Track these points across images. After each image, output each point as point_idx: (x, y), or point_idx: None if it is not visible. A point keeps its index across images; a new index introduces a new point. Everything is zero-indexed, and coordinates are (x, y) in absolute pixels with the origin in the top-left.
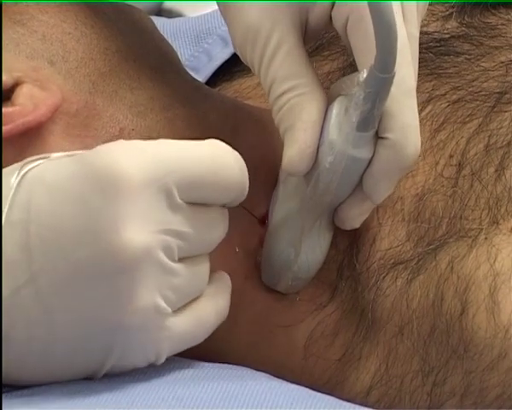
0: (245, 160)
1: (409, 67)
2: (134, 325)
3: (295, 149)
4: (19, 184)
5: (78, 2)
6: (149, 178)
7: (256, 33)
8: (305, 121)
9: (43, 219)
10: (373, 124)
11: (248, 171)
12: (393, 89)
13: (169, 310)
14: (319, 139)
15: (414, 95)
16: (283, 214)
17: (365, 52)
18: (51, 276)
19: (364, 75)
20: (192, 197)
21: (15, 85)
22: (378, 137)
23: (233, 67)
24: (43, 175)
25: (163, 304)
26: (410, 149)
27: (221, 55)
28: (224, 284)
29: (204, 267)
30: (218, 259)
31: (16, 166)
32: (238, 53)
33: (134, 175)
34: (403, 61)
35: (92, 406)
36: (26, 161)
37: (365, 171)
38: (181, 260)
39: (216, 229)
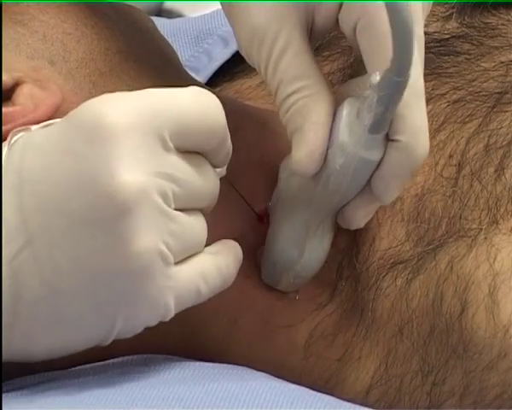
0: (246, 158)
1: (417, 69)
2: (139, 269)
3: (304, 151)
4: (9, 151)
5: (79, 3)
6: (137, 121)
7: (263, 35)
8: (314, 122)
9: (34, 177)
10: (384, 126)
11: (249, 169)
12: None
13: (171, 258)
14: (328, 141)
15: (423, 96)
16: (287, 214)
17: (377, 55)
18: (50, 231)
19: (377, 78)
20: (181, 141)
21: (16, 85)
22: (388, 139)
23: (233, 68)
24: (31, 138)
25: (165, 249)
26: (420, 150)
27: (221, 55)
28: (228, 245)
29: (200, 221)
30: None
31: (6, 142)
32: (244, 54)
33: (120, 119)
34: (414, 62)
35: (92, 406)
36: (13, 131)
37: (374, 172)
38: (177, 209)
39: (207, 181)
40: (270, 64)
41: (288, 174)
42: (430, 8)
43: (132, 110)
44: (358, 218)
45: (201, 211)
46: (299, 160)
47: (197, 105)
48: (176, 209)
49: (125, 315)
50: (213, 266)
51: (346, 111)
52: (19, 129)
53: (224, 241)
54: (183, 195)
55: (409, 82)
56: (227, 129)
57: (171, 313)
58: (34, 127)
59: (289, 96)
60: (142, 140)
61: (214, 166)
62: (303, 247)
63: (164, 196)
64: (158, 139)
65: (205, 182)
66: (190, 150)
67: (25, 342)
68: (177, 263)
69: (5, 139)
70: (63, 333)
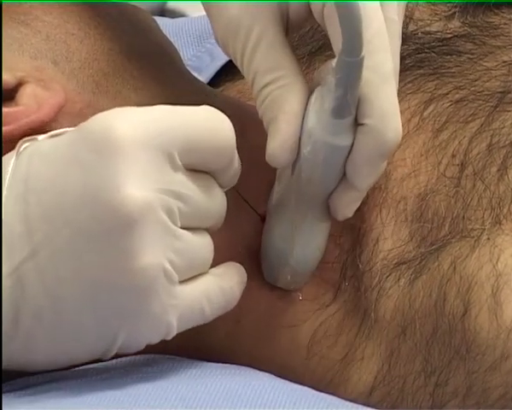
0: (249, 159)
1: (385, 52)
2: (142, 285)
3: (277, 141)
4: (17, 160)
5: (82, 3)
6: (146, 137)
7: (237, 27)
8: (287, 112)
9: (40, 186)
10: (348, 110)
11: (252, 171)
12: (369, 74)
13: (176, 276)
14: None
15: (392, 79)
16: (276, 209)
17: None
18: (54, 242)
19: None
20: (189, 159)
21: (19, 85)
22: (357, 123)
23: (235, 67)
24: (39, 147)
25: (169, 267)
26: (389, 134)
27: (224, 55)
28: (232, 267)
29: (206, 240)
30: (222, 259)
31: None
32: (220, 46)
33: (129, 134)
34: (379, 45)
35: (94, 406)
36: (23, 140)
37: (347, 158)
38: (183, 228)
39: (214, 201)
40: (245, 56)
41: (280, 171)
42: None
43: (142, 125)
44: (342, 206)
45: (208, 230)
46: (272, 150)
47: (208, 124)
48: (182, 228)
49: (127, 330)
50: (218, 287)
51: (313, 98)
52: (27, 139)
53: (229, 263)
54: (189, 213)
55: (374, 65)
56: (236, 150)
57: (174, 332)
58: (41, 137)
59: (264, 87)
60: (150, 156)
61: (221, 187)
62: (291, 241)
63: (169, 214)
64: (166, 156)
65: (211, 201)
66: (198, 169)
67: (25, 352)
68: (181, 282)
69: (9, 139)
70: (64, 345)
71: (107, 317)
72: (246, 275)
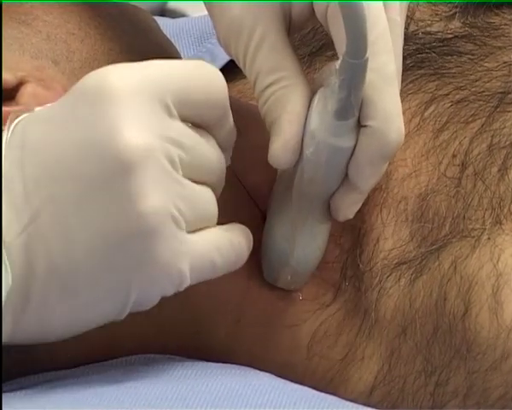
0: (250, 159)
1: (389, 54)
2: (148, 229)
3: (280, 142)
4: (14, 129)
5: (83, 3)
6: (139, 86)
7: (239, 27)
8: (289, 113)
9: (38, 148)
10: (352, 112)
11: (253, 170)
12: (372, 76)
13: (183, 223)
14: (303, 131)
15: (395, 81)
16: (276, 209)
17: (343, 40)
18: (57, 200)
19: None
20: (184, 110)
21: (20, 85)
22: (360, 125)
23: (236, 67)
24: (34, 114)
25: (176, 213)
26: (392, 135)
27: (224, 55)
28: (238, 226)
29: (210, 193)
30: None
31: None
32: (223, 46)
33: (123, 84)
34: (383, 47)
35: (95, 405)
36: (15, 111)
37: (349, 160)
38: (185, 178)
39: (215, 154)
40: (247, 56)
41: (281, 171)
42: None
43: (135, 77)
44: (344, 207)
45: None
46: (274, 151)
47: (199, 74)
48: (184, 177)
49: (140, 281)
50: (227, 240)
51: (316, 99)
52: (22, 109)
53: (233, 223)
54: (191, 162)
55: (378, 67)
56: (228, 102)
57: (187, 281)
58: (38, 109)
59: (266, 88)
60: (145, 103)
61: (219, 146)
62: (292, 241)
63: (171, 161)
64: (161, 104)
65: (211, 154)
66: (194, 122)
67: (39, 322)
68: (190, 232)
69: None
70: (78, 306)
71: (119, 268)
72: (251, 235)
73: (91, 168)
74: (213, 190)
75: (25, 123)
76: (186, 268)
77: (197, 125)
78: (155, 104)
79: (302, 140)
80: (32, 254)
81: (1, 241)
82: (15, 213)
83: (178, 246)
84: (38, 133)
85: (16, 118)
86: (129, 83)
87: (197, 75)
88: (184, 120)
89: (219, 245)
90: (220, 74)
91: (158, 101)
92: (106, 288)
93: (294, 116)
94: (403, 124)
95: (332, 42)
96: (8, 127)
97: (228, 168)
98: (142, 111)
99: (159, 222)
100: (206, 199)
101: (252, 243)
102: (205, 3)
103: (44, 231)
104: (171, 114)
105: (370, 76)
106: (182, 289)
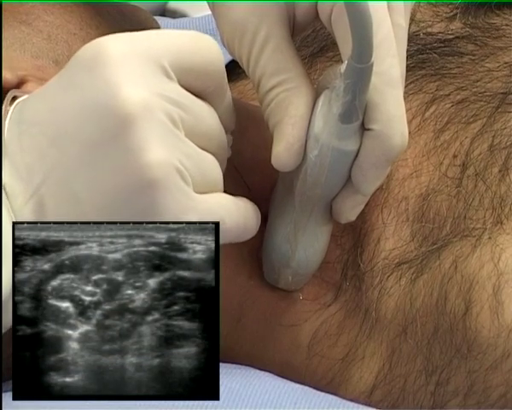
0: (251, 160)
1: (393, 58)
2: (153, 181)
3: (283, 145)
4: (13, 110)
5: (84, 3)
6: (136, 49)
7: (243, 28)
8: (293, 116)
9: (40, 117)
10: (356, 115)
11: (254, 171)
12: (377, 79)
13: (189, 178)
14: (307, 133)
15: (399, 85)
16: (278, 211)
17: (348, 43)
18: (65, 163)
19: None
20: (181, 75)
21: (20, 84)
22: (364, 128)
23: (237, 68)
24: (33, 93)
25: (181, 167)
26: (395, 139)
27: (225, 55)
28: (247, 200)
29: (214, 159)
30: (223, 258)
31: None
32: (226, 47)
33: (119, 48)
34: (387, 51)
35: (95, 405)
36: (12, 91)
37: (353, 163)
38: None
39: (215, 120)
40: (251, 58)
41: (282, 172)
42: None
43: (131, 42)
44: (346, 210)
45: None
46: (278, 154)
47: (196, 42)
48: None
49: None
50: (234, 204)
51: (321, 102)
52: (21, 91)
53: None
54: (192, 125)
55: (382, 71)
56: (225, 71)
57: None
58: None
59: (270, 90)
60: (142, 65)
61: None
62: (294, 242)
63: (171, 119)
64: (158, 66)
65: (212, 118)
66: (192, 91)
67: None
68: (197, 192)
69: None
70: None
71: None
72: (259, 212)
73: (92, 129)
74: (215, 156)
75: (23, 102)
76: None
77: (196, 94)
78: (152, 66)
79: (305, 143)
80: (42, 218)
81: (1, 245)
82: (23, 184)
83: (185, 200)
84: (37, 106)
85: (19, 97)
86: (125, 47)
87: (194, 43)
88: (182, 86)
89: (228, 208)
90: (216, 44)
91: (155, 63)
92: None
93: (298, 119)
94: (407, 128)
95: (333, 43)
96: (6, 105)
97: (230, 167)
98: (139, 71)
99: (163, 174)
100: (211, 163)
101: (260, 219)
102: (208, 3)
103: (52, 196)
104: (168, 76)
105: (374, 80)
106: None
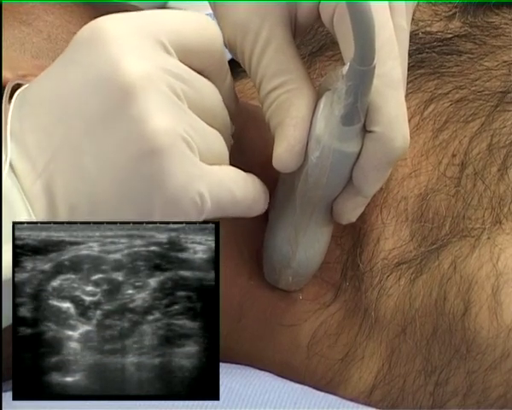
0: (251, 160)
1: (395, 60)
2: (160, 148)
3: (284, 146)
4: (16, 96)
5: (84, 3)
6: (134, 26)
7: (245, 29)
8: (294, 117)
9: (44, 97)
10: (358, 117)
11: (254, 171)
12: (378, 81)
13: (195, 147)
14: (308, 135)
15: (400, 87)
16: (279, 212)
17: (350, 45)
18: (72, 139)
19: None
20: (180, 51)
21: (20, 83)
22: (365, 130)
23: (237, 67)
24: (32, 81)
25: (186, 136)
26: (397, 141)
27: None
28: (256, 177)
29: (218, 133)
30: (224, 258)
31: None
32: (228, 48)
33: (118, 25)
34: (388, 53)
35: (95, 405)
36: (11, 83)
37: (354, 164)
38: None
39: (218, 96)
40: (253, 59)
41: (283, 173)
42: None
43: (129, 20)
44: (347, 211)
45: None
46: (279, 155)
47: (193, 20)
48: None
49: (160, 205)
50: (241, 177)
51: (322, 104)
52: (22, 81)
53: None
54: (195, 97)
55: (384, 73)
56: (224, 52)
57: (208, 205)
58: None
59: (271, 91)
60: (141, 40)
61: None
62: (295, 243)
63: (173, 91)
64: (157, 42)
65: (214, 94)
66: (192, 68)
67: None
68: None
69: None
70: None
71: (137, 195)
72: (268, 191)
73: (96, 102)
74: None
75: (24, 89)
76: (205, 191)
77: (197, 72)
78: (152, 41)
79: (307, 144)
80: (52, 196)
81: (1, 236)
82: (31, 163)
83: (193, 168)
84: (40, 88)
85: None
86: (124, 25)
87: (191, 21)
88: (182, 61)
89: (237, 180)
90: (214, 23)
91: (153, 39)
92: (129, 217)
93: (299, 121)
94: (408, 130)
95: (333, 42)
96: (7, 91)
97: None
98: (139, 46)
99: (169, 141)
100: (217, 137)
101: (268, 198)
102: (210, 4)
103: (61, 173)
104: (168, 51)
105: (376, 82)
106: (204, 214)
